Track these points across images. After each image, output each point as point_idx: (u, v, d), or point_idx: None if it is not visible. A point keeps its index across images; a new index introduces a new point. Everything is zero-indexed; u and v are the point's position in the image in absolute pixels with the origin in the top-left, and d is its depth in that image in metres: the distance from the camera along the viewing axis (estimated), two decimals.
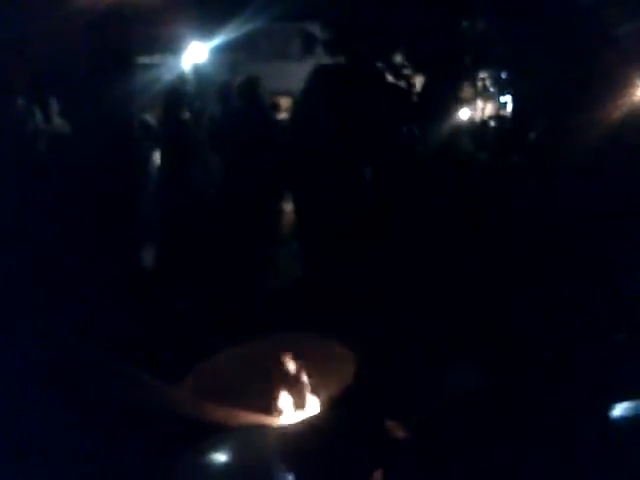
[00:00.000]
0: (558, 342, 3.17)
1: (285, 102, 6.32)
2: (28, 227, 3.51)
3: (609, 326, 3.30)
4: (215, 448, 1.75)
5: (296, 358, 2.46)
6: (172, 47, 6.00)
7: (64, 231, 3.61)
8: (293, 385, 2.38)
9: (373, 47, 4.72)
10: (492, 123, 5.53)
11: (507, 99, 5.53)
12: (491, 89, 5.50)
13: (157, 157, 5.56)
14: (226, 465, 1.73)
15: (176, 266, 4.61)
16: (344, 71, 4.73)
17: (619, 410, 2.76)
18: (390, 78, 4.81)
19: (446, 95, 4.86)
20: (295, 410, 2.33)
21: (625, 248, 3.58)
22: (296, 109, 5.30)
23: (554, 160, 4.00)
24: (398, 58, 4.82)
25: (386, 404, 2.43)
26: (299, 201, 4.87)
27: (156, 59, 6.00)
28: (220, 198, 5.40)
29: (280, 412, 2.29)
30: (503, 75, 5.20)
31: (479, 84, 5.32)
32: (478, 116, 5.56)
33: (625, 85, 4.03)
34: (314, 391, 2.38)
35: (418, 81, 4.84)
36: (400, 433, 2.33)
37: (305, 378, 2.40)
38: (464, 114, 5.24)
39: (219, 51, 6.21)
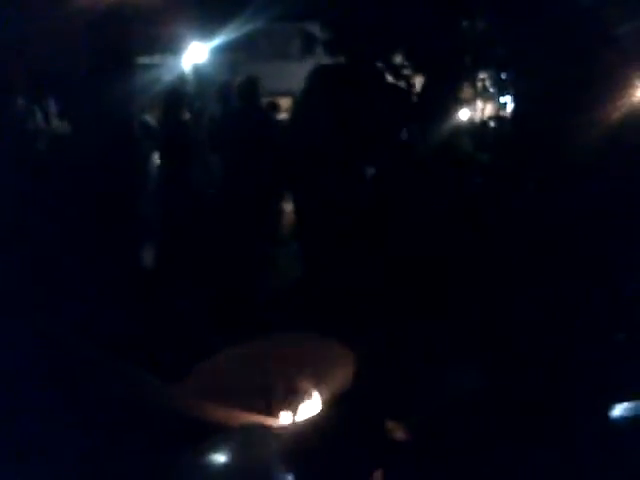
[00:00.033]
0: (558, 342, 3.18)
1: (285, 102, 6.33)
2: (28, 227, 3.51)
3: (609, 326, 3.30)
4: (215, 448, 1.74)
5: (296, 358, 2.46)
6: (172, 47, 6.00)
7: (64, 231, 3.61)
8: (293, 385, 2.38)
9: (373, 47, 4.73)
10: (492, 123, 5.53)
11: (507, 99, 5.53)
12: (491, 89, 5.50)
13: (157, 157, 5.56)
14: (226, 465, 1.72)
15: (176, 266, 4.61)
16: (344, 71, 4.74)
17: (619, 410, 2.76)
18: (390, 78, 4.81)
19: (446, 95, 4.87)
20: (295, 410, 2.33)
21: (625, 248, 3.58)
22: (296, 109, 5.31)
23: (554, 160, 4.00)
24: (398, 58, 4.83)
25: (386, 404, 2.43)
26: (299, 201, 4.87)
27: (156, 59, 6.00)
28: (220, 198, 5.40)
29: (280, 412, 2.29)
30: (503, 75, 5.21)
31: (479, 84, 5.32)
32: (478, 116, 5.56)
33: (625, 85, 4.03)
34: (314, 391, 2.38)
35: (418, 81, 4.85)
36: (400, 433, 2.33)
37: (305, 378, 2.40)
38: (464, 114, 5.25)
39: (219, 51, 6.21)
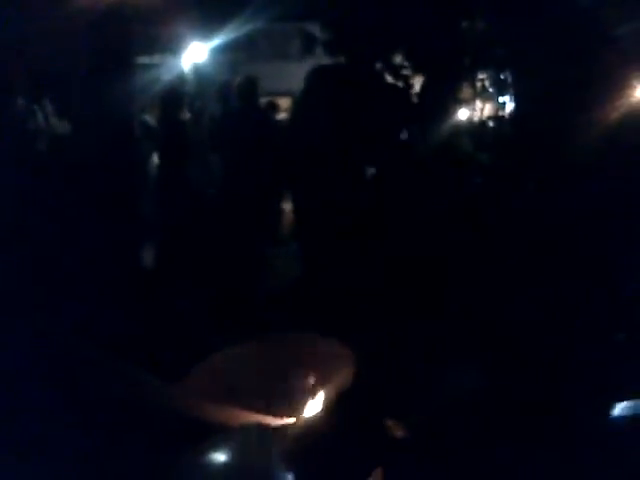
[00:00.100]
0: (558, 342, 3.18)
1: (285, 102, 6.33)
2: (28, 227, 3.51)
3: (609, 326, 3.31)
4: (215, 448, 1.74)
5: (296, 358, 2.46)
6: (172, 47, 6.00)
7: (64, 231, 3.61)
8: (293, 385, 2.38)
9: (373, 47, 4.73)
10: (491, 123, 5.53)
11: (506, 99, 5.53)
12: (490, 89, 5.50)
13: (157, 157, 5.57)
14: (226, 465, 1.72)
15: (176, 266, 4.61)
16: (343, 71, 4.74)
17: (619, 410, 2.76)
18: (390, 78, 4.81)
19: (445, 95, 4.87)
20: (295, 410, 2.33)
21: (625, 248, 3.58)
22: (296, 109, 5.31)
23: (553, 160, 4.00)
24: (398, 58, 4.83)
25: (386, 404, 2.43)
26: (299, 201, 4.87)
27: (156, 59, 6.00)
28: (220, 198, 5.40)
29: (280, 412, 2.29)
30: (502, 76, 5.21)
31: (478, 84, 5.32)
32: (477, 116, 5.56)
33: (624, 85, 4.03)
34: (314, 391, 2.39)
35: (417, 81, 4.85)
36: (400, 432, 2.33)
37: (305, 378, 2.40)
38: (463, 114, 5.25)
39: (219, 51, 6.21)
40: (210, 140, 5.83)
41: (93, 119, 4.20)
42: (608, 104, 3.90)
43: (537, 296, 3.44)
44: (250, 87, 5.45)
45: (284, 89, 6.26)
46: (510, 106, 5.24)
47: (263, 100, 5.79)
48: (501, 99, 5.58)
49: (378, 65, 4.80)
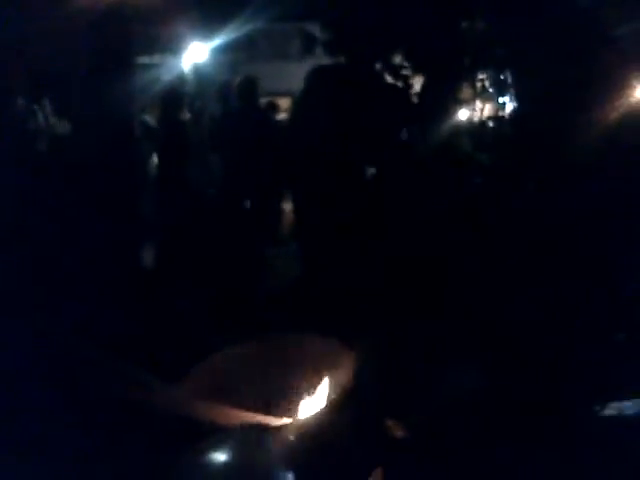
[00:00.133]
0: (558, 342, 3.18)
1: (285, 102, 6.33)
2: (28, 227, 3.51)
3: (609, 326, 3.31)
4: (215, 448, 1.75)
5: (296, 358, 2.47)
6: (172, 47, 6.00)
7: (64, 231, 3.61)
8: (293, 385, 2.38)
9: (373, 47, 4.73)
10: (491, 124, 5.53)
11: (506, 99, 5.53)
12: (490, 90, 5.50)
13: (156, 157, 5.57)
14: (226, 465, 1.73)
15: (176, 266, 4.61)
16: (343, 71, 4.74)
17: (619, 409, 2.76)
18: (389, 78, 4.81)
19: (445, 96, 4.87)
20: (295, 410, 2.33)
21: (625, 248, 3.58)
22: (295, 109, 5.31)
23: (553, 160, 4.00)
24: (398, 58, 4.83)
25: (386, 404, 2.43)
26: (299, 201, 4.87)
27: (156, 59, 6.00)
28: (220, 198, 5.41)
29: (280, 412, 2.29)
30: (502, 76, 5.21)
31: (478, 85, 5.32)
32: (477, 117, 5.56)
33: (624, 86, 4.03)
34: (314, 390, 2.39)
35: (417, 81, 4.85)
36: (400, 432, 2.33)
37: (305, 378, 2.41)
38: (463, 115, 5.25)
39: (219, 51, 6.21)
40: (210, 140, 5.83)
41: (93, 119, 4.20)
42: (608, 104, 3.90)
43: (537, 296, 3.44)
44: (250, 87, 5.46)
45: (284, 89, 6.26)
46: (510, 106, 5.23)
47: (263, 100, 5.79)
48: (501, 99, 5.57)
49: (378, 65, 4.79)
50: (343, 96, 4.48)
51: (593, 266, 3.51)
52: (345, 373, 2.32)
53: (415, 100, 4.82)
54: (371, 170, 4.81)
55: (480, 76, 5.27)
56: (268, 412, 2.24)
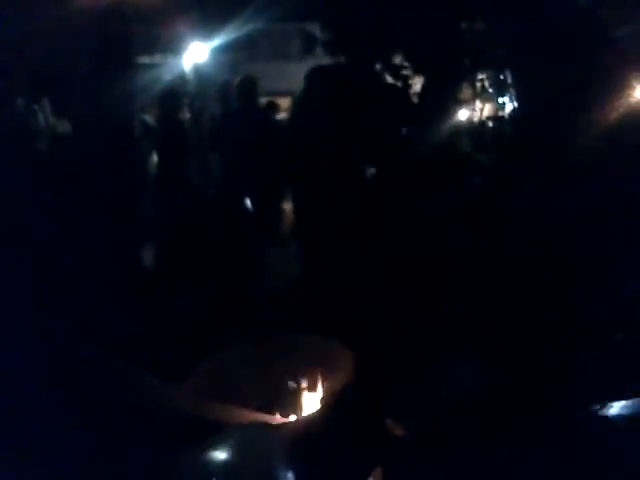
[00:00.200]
0: (558, 342, 3.18)
1: (285, 102, 6.33)
2: (28, 227, 3.51)
3: (609, 326, 3.31)
4: (216, 447, 1.75)
5: (296, 358, 2.47)
6: (172, 47, 6.01)
7: (64, 231, 3.61)
8: (293, 384, 2.39)
9: (373, 47, 4.73)
10: (491, 124, 5.53)
11: (506, 100, 5.53)
12: (490, 90, 5.50)
13: (156, 157, 5.57)
14: (227, 464, 1.73)
15: (176, 266, 4.61)
16: (343, 71, 4.74)
17: (618, 409, 2.76)
18: (389, 79, 4.81)
19: (445, 96, 4.87)
20: (295, 409, 2.33)
21: (625, 248, 3.59)
22: (295, 109, 5.31)
23: (553, 160, 4.00)
24: (398, 59, 4.83)
25: (386, 403, 2.43)
26: (299, 201, 4.88)
27: (156, 59, 6.00)
28: (220, 198, 5.40)
29: (280, 411, 2.30)
30: (502, 76, 5.21)
31: (478, 85, 5.32)
32: (477, 117, 5.56)
33: (624, 86, 4.03)
34: (314, 390, 2.39)
35: (417, 82, 4.85)
36: (399, 432, 2.33)
37: (305, 377, 2.41)
38: (463, 115, 5.25)
39: (219, 51, 6.21)
40: (210, 140, 5.83)
41: (93, 119, 4.20)
42: (608, 105, 3.91)
43: (537, 296, 3.44)
44: (250, 87, 5.46)
45: (284, 89, 6.26)
46: (510, 106, 5.24)
47: (263, 100, 5.79)
48: (501, 99, 5.58)
49: (378, 65, 4.80)
50: (343, 96, 4.48)
51: (593, 266, 3.52)
52: (345, 373, 2.33)
53: (415, 100, 4.82)
54: (371, 170, 4.81)
55: (480, 76, 5.27)
56: (268, 411, 2.24)
